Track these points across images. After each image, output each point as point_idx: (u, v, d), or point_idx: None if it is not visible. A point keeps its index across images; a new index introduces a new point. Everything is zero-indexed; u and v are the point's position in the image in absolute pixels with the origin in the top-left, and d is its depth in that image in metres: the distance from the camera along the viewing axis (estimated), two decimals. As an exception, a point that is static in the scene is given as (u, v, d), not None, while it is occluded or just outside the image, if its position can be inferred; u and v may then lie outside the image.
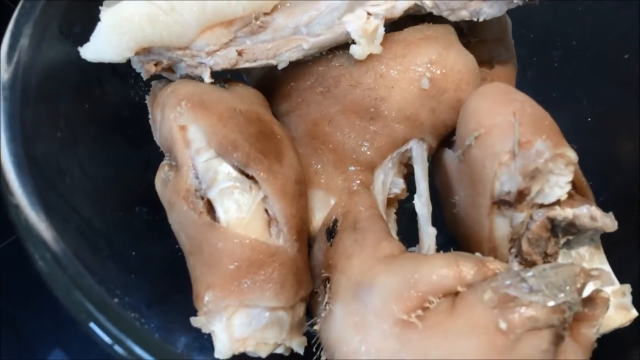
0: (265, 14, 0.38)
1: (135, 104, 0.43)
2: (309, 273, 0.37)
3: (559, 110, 0.39)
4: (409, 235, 0.39)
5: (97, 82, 0.43)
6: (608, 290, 0.33)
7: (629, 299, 0.34)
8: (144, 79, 0.39)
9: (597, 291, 0.31)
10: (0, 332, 0.51)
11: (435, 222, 0.38)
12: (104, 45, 0.36)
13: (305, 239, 0.37)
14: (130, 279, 0.36)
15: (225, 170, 0.35)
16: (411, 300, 0.30)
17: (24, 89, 0.36)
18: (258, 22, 0.38)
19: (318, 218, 0.39)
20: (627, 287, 0.35)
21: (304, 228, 0.37)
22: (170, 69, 0.39)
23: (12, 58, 0.36)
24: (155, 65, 0.39)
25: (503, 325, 0.28)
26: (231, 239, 0.33)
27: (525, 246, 0.34)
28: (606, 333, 0.34)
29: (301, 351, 0.35)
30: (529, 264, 0.34)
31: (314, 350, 0.35)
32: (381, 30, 0.38)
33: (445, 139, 0.40)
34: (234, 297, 0.33)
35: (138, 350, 0.29)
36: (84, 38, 0.36)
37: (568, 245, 0.35)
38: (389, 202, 0.40)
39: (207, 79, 0.38)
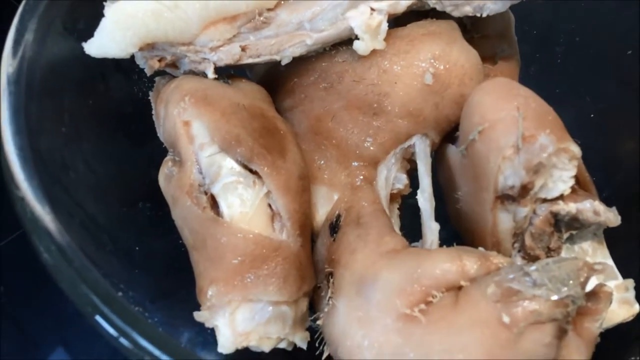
0: (269, 9, 0.38)
1: (139, 99, 0.43)
2: (312, 268, 0.37)
3: (562, 107, 0.39)
4: (412, 230, 0.39)
5: (101, 78, 0.43)
6: (611, 284, 0.33)
7: (632, 293, 0.34)
8: (148, 74, 0.39)
9: (600, 285, 0.31)
10: (3, 329, 0.51)
11: (438, 217, 0.38)
12: (108, 40, 0.36)
13: (308, 234, 0.37)
14: (134, 273, 0.36)
15: (229, 165, 0.35)
16: (414, 295, 0.30)
17: (29, 84, 0.36)
18: (261, 18, 0.38)
19: (321, 213, 0.39)
20: (630, 282, 0.35)
21: (307, 223, 0.37)
22: (174, 64, 0.39)
23: (17, 53, 0.36)
24: (159, 61, 0.39)
25: (506, 319, 0.28)
26: (234, 234, 0.33)
27: (528, 241, 0.34)
28: (609, 328, 0.34)
29: (304, 346, 0.35)
30: (532, 258, 0.34)
31: (317, 345, 0.35)
32: (384, 26, 0.38)
33: (449, 134, 0.40)
34: (237, 291, 0.33)
35: (143, 342, 0.29)
36: (88, 33, 0.36)
37: (571, 240, 0.35)
38: (392, 197, 0.40)
39: (211, 74, 0.39)
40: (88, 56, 0.37)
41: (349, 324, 0.32)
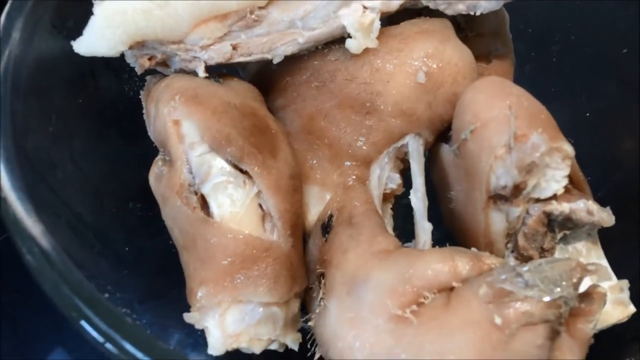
0: (260, 7, 0.38)
1: (130, 98, 0.43)
2: (304, 269, 0.36)
3: (557, 106, 0.38)
4: (405, 231, 0.39)
5: (91, 77, 0.42)
6: (605, 285, 0.33)
7: (626, 294, 0.34)
8: (138, 73, 0.39)
9: (594, 286, 0.31)
10: (0, 329, 0.51)
11: (432, 217, 0.37)
12: (98, 39, 0.36)
13: (300, 234, 0.37)
14: (123, 274, 0.36)
15: (219, 164, 0.35)
16: (406, 296, 0.30)
17: (15, 83, 0.35)
18: (253, 16, 0.38)
19: (313, 213, 0.39)
20: (625, 283, 0.34)
21: (299, 223, 0.37)
22: (165, 63, 0.39)
23: (4, 51, 0.36)
24: (149, 59, 0.38)
25: (498, 320, 0.28)
26: (225, 234, 0.33)
27: (521, 241, 0.33)
28: (604, 329, 0.34)
29: (295, 347, 0.35)
30: (525, 259, 0.34)
31: (309, 346, 0.34)
32: (377, 24, 0.38)
33: (442, 133, 0.39)
34: (228, 292, 0.33)
35: (129, 347, 0.28)
36: (77, 32, 0.36)
37: (565, 240, 0.35)
38: (385, 197, 0.40)
39: (202, 73, 0.38)
40: (77, 55, 0.36)
41: (341, 325, 0.32)
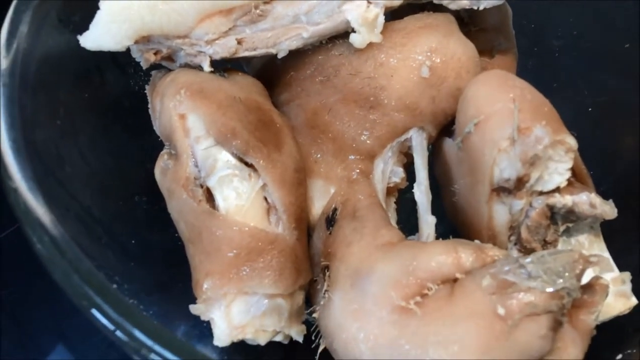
0: (265, 2, 0.38)
1: (135, 93, 0.43)
2: (308, 261, 0.37)
3: (560, 100, 0.38)
4: (409, 224, 0.40)
5: (97, 71, 0.43)
6: (608, 277, 0.33)
7: (628, 286, 0.34)
8: (144, 68, 0.39)
9: (596, 278, 0.31)
10: (2, 323, 0.51)
11: (435, 211, 0.38)
12: (104, 33, 0.36)
13: (304, 227, 0.37)
14: (130, 266, 0.36)
15: (225, 158, 0.35)
16: (410, 287, 0.30)
17: (23, 76, 0.36)
18: (257, 11, 0.38)
19: (318, 207, 0.39)
20: (627, 275, 0.35)
21: (303, 216, 0.37)
22: (170, 57, 0.39)
23: (12, 45, 0.36)
24: (155, 54, 0.39)
25: (501, 310, 0.28)
26: (230, 227, 0.33)
27: (524, 233, 0.34)
28: (606, 320, 0.34)
29: (300, 339, 0.35)
30: (528, 251, 0.34)
31: (313, 338, 0.35)
32: (381, 18, 0.38)
33: (445, 127, 0.40)
34: (233, 284, 0.33)
35: (139, 334, 0.29)
36: (84, 26, 0.36)
37: (568, 232, 0.35)
38: (389, 191, 0.40)
39: (207, 67, 0.38)
40: (83, 49, 0.36)
41: (345, 317, 0.32)
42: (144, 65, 0.39)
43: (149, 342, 0.28)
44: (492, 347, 0.28)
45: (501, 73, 0.36)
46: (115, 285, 0.31)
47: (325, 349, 0.34)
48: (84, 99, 0.41)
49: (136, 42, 0.37)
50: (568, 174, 0.32)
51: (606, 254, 0.35)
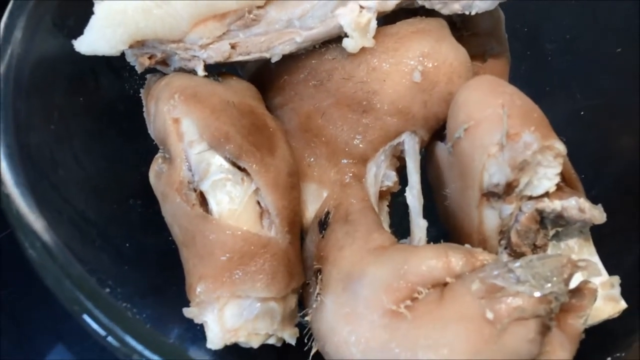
0: (259, 7, 0.39)
1: (130, 97, 0.43)
2: (301, 265, 0.37)
3: (553, 104, 0.39)
4: (401, 228, 0.40)
5: (92, 75, 0.43)
6: (597, 281, 0.34)
7: (617, 290, 0.35)
8: (138, 72, 0.39)
9: (584, 282, 0.31)
10: (1, 324, 0.51)
11: (428, 216, 0.38)
12: (98, 38, 0.36)
13: (297, 231, 0.37)
14: (124, 270, 0.37)
15: (218, 162, 0.35)
16: (400, 291, 0.31)
17: (17, 81, 0.36)
18: (251, 16, 0.38)
19: (311, 210, 0.40)
20: (616, 279, 0.35)
21: (296, 220, 0.37)
22: (164, 62, 0.40)
23: (6, 50, 0.36)
24: (149, 58, 0.39)
25: (490, 315, 0.28)
26: (223, 231, 0.34)
27: (514, 238, 0.34)
28: (595, 324, 0.35)
29: (293, 342, 0.36)
30: (518, 255, 0.34)
31: (306, 341, 0.35)
32: (374, 23, 0.38)
33: (438, 132, 0.40)
34: (226, 288, 0.33)
35: (130, 340, 0.29)
36: (78, 31, 0.36)
37: (557, 237, 0.35)
38: (382, 194, 0.41)
39: (201, 72, 0.39)
40: (78, 53, 0.37)
41: (337, 320, 0.32)
42: (139, 69, 0.39)
43: (139, 348, 0.28)
44: (481, 351, 0.28)
45: (492, 79, 0.36)
46: (108, 289, 0.31)
47: (317, 352, 0.34)
48: (79, 103, 0.42)
49: (131, 47, 0.37)
50: (557, 179, 0.33)
51: (595, 258, 0.35)
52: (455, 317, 0.29)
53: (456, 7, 0.39)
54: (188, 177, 0.35)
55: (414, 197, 0.37)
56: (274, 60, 0.39)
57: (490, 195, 0.33)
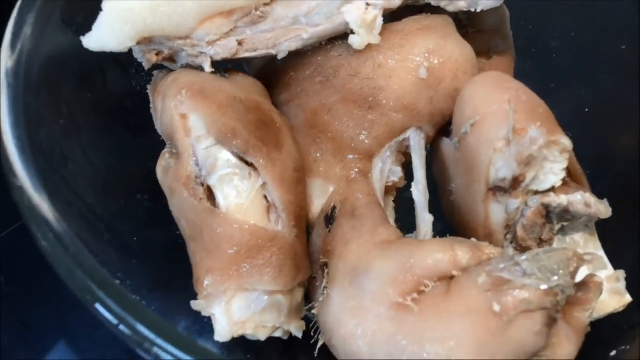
0: (265, 4, 0.39)
1: (137, 93, 0.44)
2: (308, 259, 0.37)
3: (557, 101, 0.39)
4: (407, 224, 0.40)
5: (100, 71, 0.43)
6: (602, 275, 0.34)
7: (623, 284, 0.35)
8: (146, 68, 0.40)
9: (590, 276, 0.32)
10: (3, 319, 0.51)
11: (434, 211, 0.38)
12: (106, 34, 0.37)
13: (304, 225, 0.38)
14: (132, 263, 0.37)
15: (225, 157, 0.36)
16: (407, 284, 0.31)
17: (27, 76, 0.36)
18: (258, 12, 0.39)
19: (317, 205, 0.40)
20: (621, 273, 0.35)
21: (303, 215, 0.37)
22: (172, 58, 0.40)
23: (16, 46, 0.36)
24: (157, 54, 0.39)
25: (497, 307, 0.28)
26: (231, 224, 0.34)
27: (520, 232, 0.34)
28: (600, 318, 0.35)
29: (299, 335, 0.36)
30: (524, 250, 0.34)
31: (312, 334, 0.35)
32: (380, 20, 0.38)
33: (443, 128, 0.40)
34: (233, 281, 0.34)
35: (142, 329, 0.29)
36: (87, 27, 0.37)
37: (563, 231, 0.35)
38: (387, 190, 0.41)
39: (208, 68, 0.39)
40: (86, 50, 0.37)
41: (343, 313, 0.32)
42: (146, 65, 0.39)
43: (151, 336, 0.29)
44: (488, 343, 0.28)
45: (497, 74, 0.37)
46: (117, 282, 0.31)
47: (324, 345, 0.34)
48: (87, 98, 0.42)
49: (138, 43, 0.37)
50: (563, 174, 0.33)
51: (601, 253, 0.36)
52: (462, 310, 0.29)
53: (462, 5, 0.40)
54: (195, 172, 0.36)
55: (419, 192, 0.38)
56: (280, 56, 0.40)
57: (497, 189, 0.34)
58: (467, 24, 0.44)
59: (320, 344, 0.35)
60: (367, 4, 0.38)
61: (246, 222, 0.34)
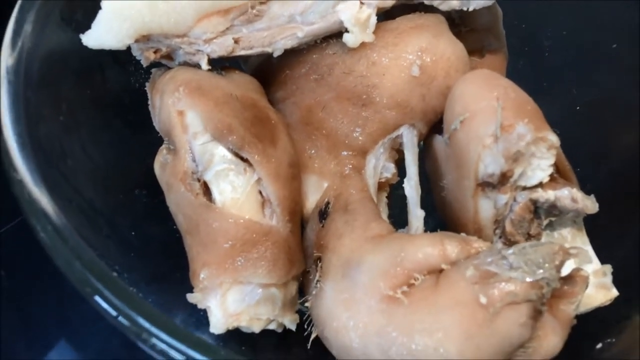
0: (261, 2, 0.39)
1: (136, 90, 0.44)
2: (302, 253, 0.38)
3: (550, 99, 0.40)
4: (400, 220, 0.41)
5: (99, 69, 0.44)
6: (589, 270, 0.34)
7: (609, 278, 0.35)
8: (144, 66, 0.40)
9: (577, 270, 0.32)
10: (3, 314, 0.52)
11: (426, 207, 0.39)
12: (105, 32, 0.37)
13: (298, 220, 0.38)
14: (130, 257, 0.38)
15: (221, 153, 0.36)
16: (397, 277, 0.32)
17: (28, 74, 0.37)
18: (254, 11, 0.39)
19: (311, 201, 0.40)
20: (608, 267, 0.36)
21: (297, 210, 0.38)
22: (169, 56, 0.40)
23: (16, 43, 0.37)
24: (155, 52, 0.40)
25: (483, 299, 0.29)
26: (226, 219, 0.35)
27: (509, 227, 0.35)
28: (587, 311, 0.36)
29: (293, 327, 0.36)
30: (512, 244, 0.35)
31: (306, 326, 0.36)
32: (373, 19, 0.39)
33: (435, 125, 0.41)
34: (229, 274, 0.34)
35: (142, 321, 0.30)
36: (86, 25, 0.37)
37: (551, 226, 0.36)
38: (381, 186, 0.41)
39: (205, 65, 0.40)
40: (86, 47, 0.37)
41: (335, 306, 0.33)
42: (144, 63, 0.40)
43: (150, 327, 0.29)
44: (474, 334, 0.29)
45: (487, 72, 0.37)
46: (115, 274, 0.32)
47: (317, 337, 0.35)
48: (86, 95, 0.42)
49: (137, 41, 0.38)
50: (550, 170, 0.33)
51: (588, 247, 0.36)
52: (450, 302, 0.30)
53: (454, 4, 0.40)
54: (192, 168, 0.36)
55: (411, 187, 0.38)
56: (276, 54, 0.40)
57: (486, 185, 0.34)
58: (459, 23, 0.44)
59: (313, 336, 0.35)
60: (361, 3, 0.39)
61: (241, 217, 0.35)
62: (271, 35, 0.40)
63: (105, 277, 0.31)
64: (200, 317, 0.35)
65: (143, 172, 0.40)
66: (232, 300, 0.34)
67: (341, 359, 0.33)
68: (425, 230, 0.38)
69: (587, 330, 0.35)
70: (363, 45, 0.39)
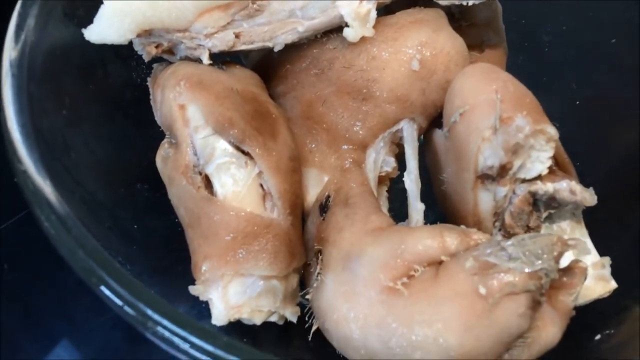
0: (262, -3, 0.40)
1: (137, 85, 0.45)
2: (302, 246, 0.38)
3: (549, 94, 0.40)
4: (401, 214, 0.41)
5: (101, 63, 0.44)
6: (588, 262, 0.35)
7: (608, 270, 0.36)
8: (146, 60, 0.40)
9: (575, 261, 0.32)
10: (7, 307, 0.52)
11: (426, 200, 0.39)
12: (107, 27, 0.37)
13: (299, 213, 0.39)
14: (132, 250, 0.38)
15: (222, 146, 0.36)
16: (397, 269, 0.32)
17: (31, 68, 0.37)
18: (255, 6, 0.39)
19: (312, 194, 0.41)
20: (607, 260, 0.36)
21: (298, 203, 0.38)
22: (171, 51, 0.41)
23: (20, 38, 0.37)
24: (156, 47, 0.40)
25: (482, 290, 0.29)
26: (227, 212, 0.35)
27: (508, 219, 0.35)
28: (586, 303, 0.36)
29: (294, 320, 0.37)
30: (512, 236, 0.35)
31: (307, 319, 0.36)
32: (373, 13, 0.39)
33: (435, 119, 0.41)
34: (230, 266, 0.34)
35: (147, 310, 0.30)
36: (88, 20, 0.38)
37: (550, 219, 0.36)
38: (381, 179, 0.42)
39: (206, 60, 0.40)
40: (88, 42, 0.38)
41: (336, 298, 0.33)
42: (146, 58, 0.40)
43: (155, 316, 0.29)
44: (474, 325, 0.29)
45: (487, 66, 0.37)
46: (118, 265, 0.32)
47: (317, 329, 0.35)
48: (89, 90, 0.43)
49: (138, 36, 0.38)
50: (549, 162, 0.34)
51: (587, 239, 0.37)
52: (450, 294, 0.30)
53: (454, -2, 0.40)
54: (193, 161, 0.37)
55: (411, 181, 0.39)
56: (276, 49, 0.40)
57: (485, 177, 0.34)
58: (459, 18, 0.45)
59: (314, 328, 0.35)
60: (361, -2, 0.39)
61: (242, 210, 0.35)
62: (272, 30, 0.40)
63: (110, 266, 0.31)
64: (202, 310, 0.35)
65: (145, 166, 0.40)
66: (234, 293, 0.35)
67: (342, 351, 0.34)
68: (426, 223, 0.38)
69: (586, 321, 0.35)
70: (363, 39, 0.39)
